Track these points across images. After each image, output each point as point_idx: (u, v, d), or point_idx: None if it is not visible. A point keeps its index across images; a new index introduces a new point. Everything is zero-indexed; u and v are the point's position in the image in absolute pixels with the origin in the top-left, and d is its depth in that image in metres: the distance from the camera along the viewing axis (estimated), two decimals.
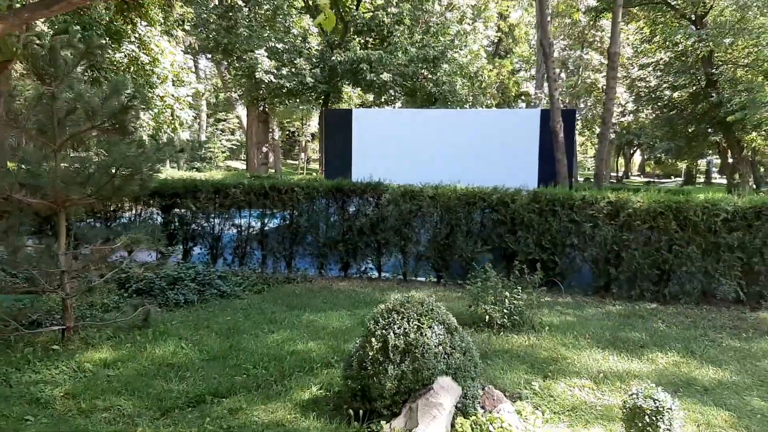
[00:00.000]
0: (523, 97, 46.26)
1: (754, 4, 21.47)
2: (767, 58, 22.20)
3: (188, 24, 24.68)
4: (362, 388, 4.46)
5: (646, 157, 62.01)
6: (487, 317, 6.72)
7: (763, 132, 24.26)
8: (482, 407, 4.53)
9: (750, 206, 8.37)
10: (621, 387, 5.28)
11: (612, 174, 53.48)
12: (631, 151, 56.01)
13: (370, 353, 4.40)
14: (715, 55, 23.72)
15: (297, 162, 59.29)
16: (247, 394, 5.05)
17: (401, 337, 4.38)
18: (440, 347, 4.42)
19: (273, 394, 5.04)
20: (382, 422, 4.21)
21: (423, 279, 9.99)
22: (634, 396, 3.94)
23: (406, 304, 4.60)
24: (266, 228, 10.71)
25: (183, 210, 11.01)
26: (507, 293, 6.80)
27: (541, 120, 15.40)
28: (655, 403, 3.82)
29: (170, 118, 23.63)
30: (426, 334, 4.40)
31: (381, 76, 24.16)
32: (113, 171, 6.07)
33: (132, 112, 6.17)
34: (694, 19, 24.17)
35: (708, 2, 23.43)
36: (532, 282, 7.19)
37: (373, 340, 4.44)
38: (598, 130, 31.90)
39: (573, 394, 5.12)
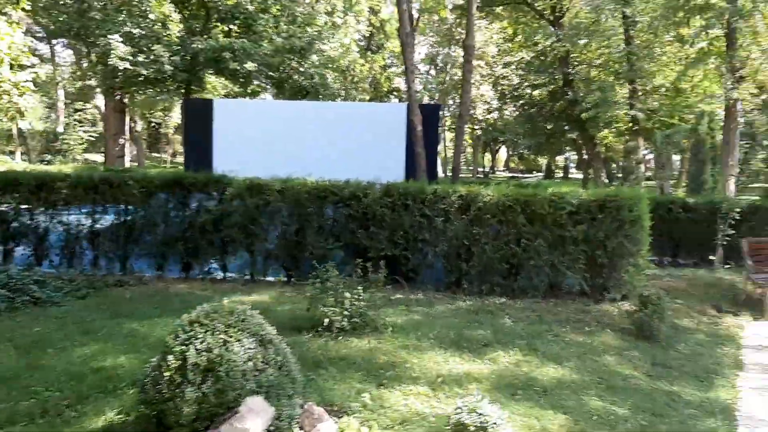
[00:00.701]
0: (395, 93, 46.52)
1: (606, 8, 22.66)
2: (617, 59, 23.52)
3: (28, 3, 22.31)
4: (158, 414, 3.80)
5: (510, 153, 64.71)
6: (326, 320, 6.20)
7: (613, 129, 25.76)
8: (300, 428, 4.00)
9: (594, 199, 8.45)
10: (458, 392, 4.93)
11: (480, 169, 55.34)
12: (497, 148, 58.10)
13: (166, 374, 3.74)
14: (572, 55, 24.84)
15: (163, 156, 56.22)
16: (28, 423, 4.22)
17: (203, 353, 3.76)
18: (250, 363, 3.84)
19: (61, 422, 4.25)
20: None
21: (272, 279, 9.32)
22: (459, 410, 3.57)
23: (213, 314, 3.98)
24: (99, 225, 9.63)
25: (2, 206, 9.73)
26: (348, 294, 6.32)
27: (408, 114, 15.19)
28: (479, 418, 3.47)
29: (7, 105, 21.29)
30: (233, 349, 3.80)
31: (245, 65, 23.11)
32: None
33: None
34: (552, 20, 25.16)
35: (565, 4, 24.48)
36: (375, 281, 6.77)
37: (171, 357, 3.78)
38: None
39: (407, 404, 4.71)
